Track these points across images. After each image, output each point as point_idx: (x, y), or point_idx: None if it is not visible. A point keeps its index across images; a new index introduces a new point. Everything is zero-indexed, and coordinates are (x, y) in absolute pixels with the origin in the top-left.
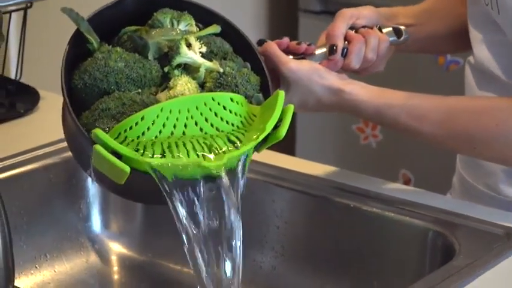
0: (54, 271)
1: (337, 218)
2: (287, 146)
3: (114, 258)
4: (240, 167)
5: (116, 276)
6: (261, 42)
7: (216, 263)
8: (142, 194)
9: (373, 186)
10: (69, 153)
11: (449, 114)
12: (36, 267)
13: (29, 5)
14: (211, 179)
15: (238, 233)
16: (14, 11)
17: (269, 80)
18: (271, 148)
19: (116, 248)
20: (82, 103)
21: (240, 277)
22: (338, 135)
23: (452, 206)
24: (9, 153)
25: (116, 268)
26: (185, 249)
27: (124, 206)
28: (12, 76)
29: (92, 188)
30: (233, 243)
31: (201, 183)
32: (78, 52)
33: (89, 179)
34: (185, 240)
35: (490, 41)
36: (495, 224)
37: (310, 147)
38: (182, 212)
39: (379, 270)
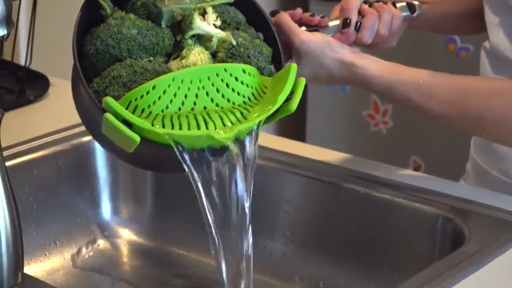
0: (64, 258)
1: (347, 204)
2: (297, 132)
3: (124, 245)
4: (250, 138)
5: (125, 263)
6: (274, 13)
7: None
8: (151, 162)
9: (383, 173)
10: (79, 140)
11: (460, 94)
12: (45, 254)
13: None
14: (221, 149)
15: (247, 202)
16: None
17: (281, 51)
18: (281, 134)
19: (126, 235)
20: (92, 68)
21: (251, 241)
22: (348, 122)
23: (462, 193)
24: (19, 140)
25: (125, 255)
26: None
27: (134, 192)
28: (22, 63)
29: (102, 174)
30: (241, 213)
31: (212, 153)
32: (90, 17)
33: (99, 166)
34: (204, 209)
35: (508, 25)
36: (505, 210)
37: (320, 133)
38: (196, 177)
39: (388, 256)
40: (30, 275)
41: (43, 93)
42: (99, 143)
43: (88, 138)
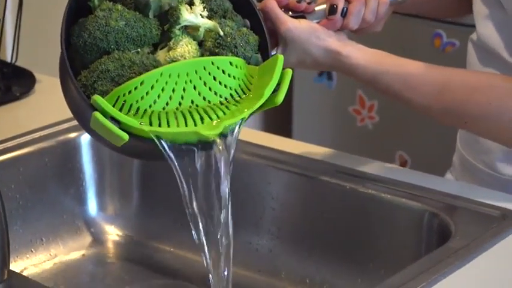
0: (50, 254)
1: (333, 199)
2: (284, 127)
3: (110, 241)
4: (234, 131)
5: (111, 259)
6: None
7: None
8: (140, 152)
9: (370, 168)
10: (65, 137)
11: (443, 86)
12: (32, 251)
13: None
14: (207, 143)
15: (227, 189)
16: None
17: (268, 39)
18: (267, 130)
19: (112, 231)
20: (80, 59)
21: (231, 231)
22: (334, 117)
23: (448, 188)
24: (5, 137)
25: (112, 251)
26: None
27: (120, 189)
28: (8, 59)
29: (88, 171)
30: (223, 202)
31: (198, 147)
32: (79, 6)
33: (85, 162)
34: (187, 205)
35: (497, 17)
36: (491, 205)
37: (306, 129)
38: (179, 172)
39: (375, 252)
40: (16, 272)
41: (29, 90)
42: (87, 132)
43: (74, 134)
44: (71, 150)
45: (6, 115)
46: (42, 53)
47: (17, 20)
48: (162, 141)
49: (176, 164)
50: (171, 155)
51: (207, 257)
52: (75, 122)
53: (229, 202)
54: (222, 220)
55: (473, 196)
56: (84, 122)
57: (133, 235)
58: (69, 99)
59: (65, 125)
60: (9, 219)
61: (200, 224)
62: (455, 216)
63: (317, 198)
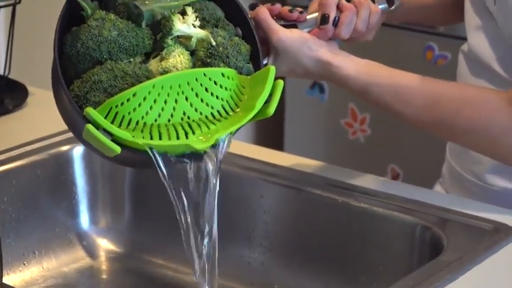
0: (43, 268)
1: (325, 213)
2: (275, 140)
3: (102, 255)
4: (223, 142)
5: (104, 272)
6: (252, 7)
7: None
8: (131, 162)
9: (361, 182)
10: (57, 150)
11: (434, 100)
12: (24, 264)
13: (17, 0)
14: (198, 154)
15: (215, 200)
16: (2, 6)
17: (259, 47)
18: (259, 143)
19: (104, 244)
20: (73, 68)
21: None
22: (326, 130)
23: (440, 201)
24: None
25: (104, 264)
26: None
27: (112, 202)
28: (1, 72)
29: (80, 184)
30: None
31: (189, 158)
32: (72, 14)
33: (77, 176)
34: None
35: (489, 29)
36: (483, 218)
37: (298, 142)
38: (170, 182)
39: (367, 265)
40: (9, 285)
41: (22, 103)
42: (79, 141)
43: (66, 147)
44: (63, 163)
45: None
46: (34, 66)
47: (9, 33)
48: (155, 153)
49: (166, 174)
50: (163, 167)
51: (196, 268)
52: (67, 135)
53: (215, 214)
54: (207, 230)
55: (465, 209)
56: (77, 132)
57: (125, 248)
58: (61, 109)
59: (57, 138)
60: (2, 233)
61: (191, 235)
62: (447, 230)
63: (309, 211)
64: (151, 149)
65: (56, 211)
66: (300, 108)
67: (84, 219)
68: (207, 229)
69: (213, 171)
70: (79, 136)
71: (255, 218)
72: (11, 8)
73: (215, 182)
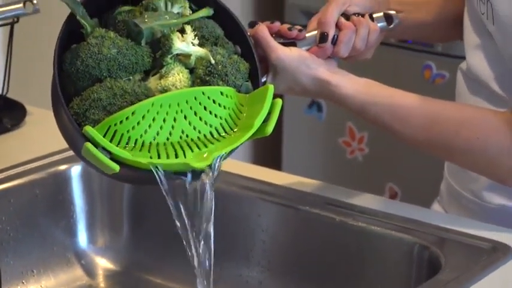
0: (41, 286)
1: (323, 232)
2: (273, 159)
3: (100, 273)
4: (220, 158)
5: None
6: (252, 24)
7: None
8: (130, 179)
9: (359, 201)
10: (56, 169)
11: (432, 120)
12: (23, 283)
13: (15, 19)
14: (196, 172)
15: (211, 215)
16: (0, 25)
17: (258, 65)
18: (257, 162)
19: (103, 263)
20: (72, 85)
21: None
22: (324, 149)
23: (438, 220)
24: None
25: (102, 283)
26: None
27: (110, 221)
28: None
29: (78, 203)
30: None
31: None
32: (71, 31)
33: (75, 195)
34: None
35: (488, 47)
36: (481, 237)
37: (296, 161)
38: (169, 199)
39: (365, 284)
40: None
41: (20, 122)
42: (78, 157)
43: (65, 166)
44: (62, 182)
45: None
46: (33, 85)
47: (7, 52)
48: (157, 171)
49: (167, 190)
50: (165, 184)
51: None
52: (65, 154)
53: (212, 230)
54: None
55: (463, 228)
56: (76, 149)
57: (123, 267)
58: (61, 127)
59: (56, 157)
60: (0, 251)
61: (193, 250)
62: (445, 249)
63: (307, 230)
64: (155, 166)
65: (55, 230)
66: (298, 127)
67: (83, 238)
68: (202, 241)
69: (209, 184)
70: (78, 153)
71: (253, 237)
72: (9, 27)
73: (211, 196)
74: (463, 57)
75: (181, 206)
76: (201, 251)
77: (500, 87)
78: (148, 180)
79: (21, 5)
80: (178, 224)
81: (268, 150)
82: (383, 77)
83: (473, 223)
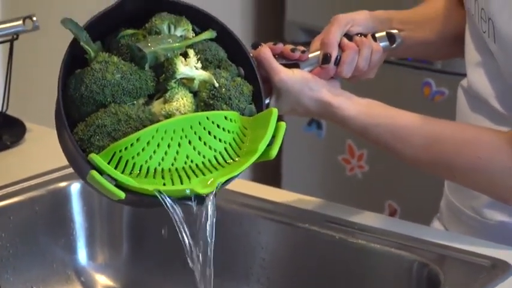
0: None
1: (322, 249)
2: (273, 177)
3: None
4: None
5: None
6: (255, 45)
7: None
8: (135, 203)
9: (359, 218)
10: (55, 186)
11: (433, 140)
12: None
13: (15, 36)
14: (201, 197)
15: (212, 237)
16: (0, 42)
17: (261, 87)
18: (257, 179)
19: (102, 280)
20: (76, 110)
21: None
22: (324, 166)
23: (437, 237)
24: None
25: None
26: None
27: (110, 238)
28: None
29: (78, 220)
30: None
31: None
32: (74, 55)
33: (75, 212)
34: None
35: (488, 66)
36: (480, 254)
37: (296, 178)
38: (175, 218)
39: None
40: None
41: (20, 139)
42: (83, 180)
43: (64, 183)
44: (61, 199)
45: None
46: (33, 102)
47: (7, 69)
48: (164, 197)
49: (176, 211)
50: (176, 209)
51: None
52: (65, 172)
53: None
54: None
55: (462, 245)
56: (80, 174)
57: (123, 284)
58: (65, 151)
59: (55, 174)
60: (0, 268)
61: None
62: (444, 266)
63: (306, 248)
64: (159, 192)
65: (54, 247)
66: (297, 144)
67: (82, 255)
68: (201, 259)
69: (212, 209)
70: (83, 178)
71: (253, 254)
72: (8, 43)
73: (212, 220)
74: (463, 74)
75: (185, 227)
76: (199, 268)
77: (501, 105)
78: (154, 204)
79: (20, 22)
80: (184, 243)
81: (267, 167)
82: (383, 94)
83: (473, 240)
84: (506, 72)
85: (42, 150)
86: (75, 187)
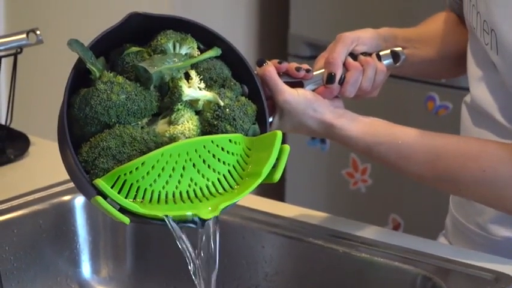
0: None
1: (326, 263)
2: (277, 191)
3: None
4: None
5: None
6: (260, 62)
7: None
8: (141, 221)
9: (363, 232)
10: (59, 199)
11: (437, 156)
12: None
13: (19, 50)
14: (203, 220)
15: (216, 256)
16: (4, 56)
17: (266, 107)
18: (260, 193)
19: None
20: (80, 129)
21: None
22: (328, 180)
23: (441, 251)
24: None
25: None
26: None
27: (113, 252)
28: (3, 122)
29: (82, 233)
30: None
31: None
32: (79, 72)
33: (79, 225)
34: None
35: (490, 80)
36: (484, 268)
37: (299, 192)
38: (179, 235)
39: None
40: None
41: (23, 152)
42: (85, 197)
43: (68, 197)
44: (65, 212)
45: (0, 177)
46: (36, 116)
47: (11, 83)
48: (169, 220)
49: (178, 236)
50: (177, 230)
51: None
52: (69, 185)
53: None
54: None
55: (466, 259)
56: (83, 192)
57: None
58: (69, 170)
59: (59, 188)
60: (4, 281)
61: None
62: (448, 280)
63: (310, 262)
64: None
65: (58, 260)
66: (301, 158)
67: (86, 269)
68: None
69: (215, 231)
70: (85, 196)
71: (256, 268)
72: (12, 57)
73: (215, 241)
74: (466, 88)
75: (188, 245)
76: (203, 283)
77: (504, 118)
78: (157, 223)
79: (24, 35)
80: (188, 263)
81: None
82: (386, 108)
83: (476, 254)
84: (508, 83)
85: (46, 164)
86: (79, 201)
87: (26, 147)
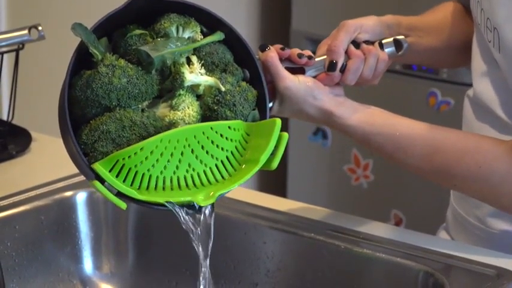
0: None
1: (328, 259)
2: (278, 186)
3: None
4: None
5: None
6: (263, 48)
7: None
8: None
9: (364, 228)
10: (61, 195)
11: (434, 149)
12: None
13: (20, 46)
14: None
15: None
16: (5, 52)
17: (266, 92)
18: (262, 189)
19: None
20: (80, 110)
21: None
22: (329, 176)
23: (443, 247)
24: (1, 195)
25: None
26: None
27: (115, 247)
28: (4, 117)
29: (84, 229)
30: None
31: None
32: (81, 55)
33: (81, 221)
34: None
35: (494, 75)
36: (485, 264)
37: (301, 188)
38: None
39: None
40: None
41: (25, 148)
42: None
43: (70, 193)
44: (67, 208)
45: (2, 173)
46: (38, 112)
47: (13, 79)
48: (174, 205)
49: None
50: (182, 214)
51: None
52: (71, 181)
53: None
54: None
55: (467, 255)
56: (83, 174)
57: None
58: (70, 153)
59: (61, 184)
60: (6, 277)
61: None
62: (450, 275)
63: (312, 257)
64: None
65: (60, 256)
66: (303, 154)
67: (88, 265)
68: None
69: (210, 215)
70: (85, 177)
71: (258, 264)
72: (14, 53)
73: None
74: (468, 84)
75: (191, 226)
76: (201, 278)
77: (506, 114)
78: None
79: (26, 31)
80: (196, 247)
81: (273, 177)
82: (388, 104)
83: (478, 249)
84: (510, 80)
85: (47, 160)
86: (81, 196)
87: (28, 143)
